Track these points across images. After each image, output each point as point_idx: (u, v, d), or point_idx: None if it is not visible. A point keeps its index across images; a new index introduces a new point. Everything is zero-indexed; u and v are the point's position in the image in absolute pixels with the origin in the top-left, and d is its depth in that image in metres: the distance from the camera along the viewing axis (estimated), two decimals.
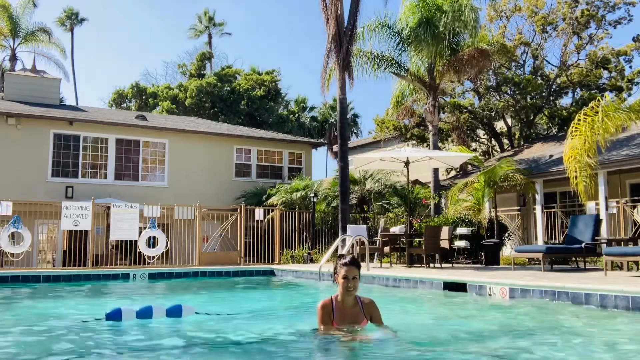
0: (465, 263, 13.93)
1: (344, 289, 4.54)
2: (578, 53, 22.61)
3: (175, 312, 5.97)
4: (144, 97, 40.54)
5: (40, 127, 20.00)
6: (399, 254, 14.59)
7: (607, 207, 13.20)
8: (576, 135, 11.26)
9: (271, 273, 14.38)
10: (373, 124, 29.61)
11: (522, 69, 23.53)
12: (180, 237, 16.79)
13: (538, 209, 15.47)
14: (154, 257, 15.16)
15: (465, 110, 23.14)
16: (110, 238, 15.83)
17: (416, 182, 20.05)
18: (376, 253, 14.54)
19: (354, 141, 37.84)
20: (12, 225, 13.84)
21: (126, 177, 21.28)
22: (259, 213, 16.94)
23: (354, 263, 4.59)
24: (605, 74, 22.39)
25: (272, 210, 17.93)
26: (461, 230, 13.73)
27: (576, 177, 11.22)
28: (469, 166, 20.62)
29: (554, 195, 17.13)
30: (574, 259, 12.20)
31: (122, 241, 16.77)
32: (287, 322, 6.39)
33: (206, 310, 6.48)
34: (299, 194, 19.13)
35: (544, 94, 22.50)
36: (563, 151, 12.07)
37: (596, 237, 10.77)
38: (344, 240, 13.84)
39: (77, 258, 15.61)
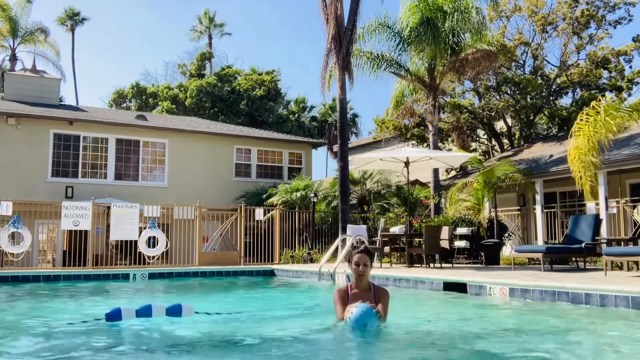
0: (465, 263, 13.93)
1: (356, 274, 5.11)
2: (578, 53, 22.59)
3: (174, 311, 5.96)
4: (144, 97, 40.52)
5: (40, 127, 20.00)
6: (399, 254, 14.59)
7: (607, 207, 13.18)
8: (579, 135, 11.25)
9: (271, 273, 14.39)
10: (373, 124, 29.61)
11: (522, 69, 23.52)
12: (180, 237, 16.78)
13: (538, 209, 15.46)
14: (154, 257, 15.16)
15: (465, 110, 23.12)
16: (110, 238, 15.83)
17: (416, 182, 20.03)
18: (376, 253, 14.54)
19: (353, 141, 37.82)
20: (12, 225, 13.85)
21: (126, 177, 21.28)
22: (259, 213, 16.93)
23: (365, 251, 5.20)
24: (605, 74, 22.37)
25: (272, 210, 17.92)
26: (461, 230, 13.73)
27: (581, 177, 11.20)
28: (469, 166, 20.61)
29: (554, 195, 17.12)
30: (574, 259, 12.20)
31: (122, 241, 16.78)
32: (287, 322, 6.39)
33: (206, 310, 6.47)
34: (299, 194, 19.13)
35: (544, 94, 22.50)
36: (563, 151, 12.09)
37: (596, 237, 10.77)
38: (344, 240, 13.83)
39: (77, 258, 15.60)
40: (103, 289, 11.44)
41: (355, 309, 4.67)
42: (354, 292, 5.09)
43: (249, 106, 38.14)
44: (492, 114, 22.78)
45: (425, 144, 22.88)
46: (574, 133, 11.35)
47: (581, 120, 11.25)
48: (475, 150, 24.03)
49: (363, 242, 12.85)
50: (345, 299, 5.07)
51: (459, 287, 8.61)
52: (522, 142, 22.80)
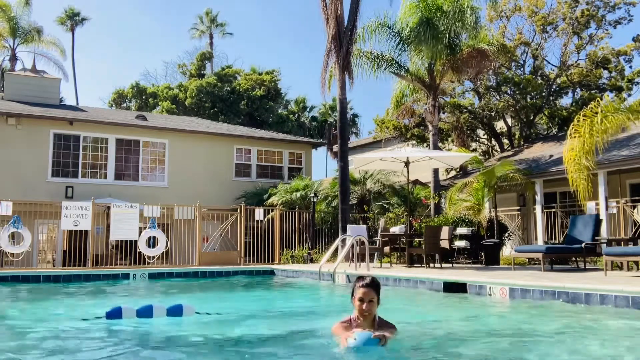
0: (465, 263, 13.93)
1: (359, 312, 4.29)
2: (578, 53, 22.60)
3: (175, 311, 5.98)
4: (144, 97, 40.53)
5: (40, 127, 19.99)
6: (399, 254, 14.58)
7: (607, 207, 13.19)
8: (575, 136, 11.25)
9: (271, 273, 14.39)
10: (373, 124, 29.63)
11: (522, 69, 23.52)
12: (180, 237, 16.78)
13: (538, 209, 15.46)
14: (154, 257, 15.16)
15: (465, 110, 23.13)
16: (110, 238, 15.83)
17: (416, 182, 20.03)
18: (376, 253, 14.54)
19: (353, 141, 37.80)
20: (12, 225, 13.84)
21: (126, 177, 21.27)
22: (259, 213, 16.93)
23: (373, 285, 4.28)
24: (605, 74, 22.37)
25: (272, 210, 17.92)
26: (461, 230, 13.73)
27: (575, 178, 11.21)
28: (469, 166, 20.62)
29: (554, 195, 17.12)
30: (574, 259, 12.20)
31: (122, 241, 16.77)
32: (287, 322, 6.40)
33: (206, 310, 6.48)
34: (299, 194, 19.12)
35: (544, 94, 22.50)
36: (563, 151, 12.06)
37: (596, 237, 10.77)
38: (344, 240, 13.83)
39: (77, 258, 15.60)
40: (103, 289, 11.43)
41: (354, 341, 4.07)
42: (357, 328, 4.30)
43: (249, 106, 38.14)
44: (492, 114, 22.78)
45: (425, 144, 22.88)
46: (570, 134, 11.36)
47: (578, 121, 11.25)
48: (475, 150, 24.03)
49: (363, 243, 12.85)
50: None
51: (459, 287, 8.62)
52: (522, 142, 22.80)
